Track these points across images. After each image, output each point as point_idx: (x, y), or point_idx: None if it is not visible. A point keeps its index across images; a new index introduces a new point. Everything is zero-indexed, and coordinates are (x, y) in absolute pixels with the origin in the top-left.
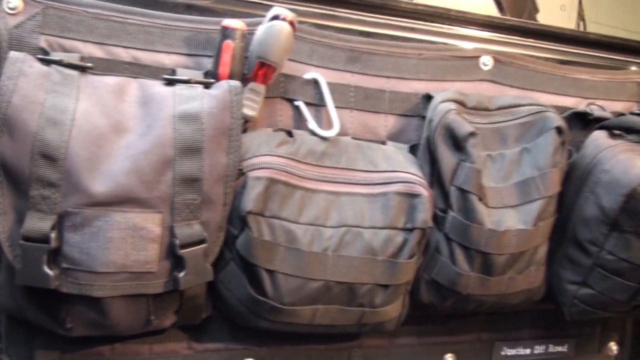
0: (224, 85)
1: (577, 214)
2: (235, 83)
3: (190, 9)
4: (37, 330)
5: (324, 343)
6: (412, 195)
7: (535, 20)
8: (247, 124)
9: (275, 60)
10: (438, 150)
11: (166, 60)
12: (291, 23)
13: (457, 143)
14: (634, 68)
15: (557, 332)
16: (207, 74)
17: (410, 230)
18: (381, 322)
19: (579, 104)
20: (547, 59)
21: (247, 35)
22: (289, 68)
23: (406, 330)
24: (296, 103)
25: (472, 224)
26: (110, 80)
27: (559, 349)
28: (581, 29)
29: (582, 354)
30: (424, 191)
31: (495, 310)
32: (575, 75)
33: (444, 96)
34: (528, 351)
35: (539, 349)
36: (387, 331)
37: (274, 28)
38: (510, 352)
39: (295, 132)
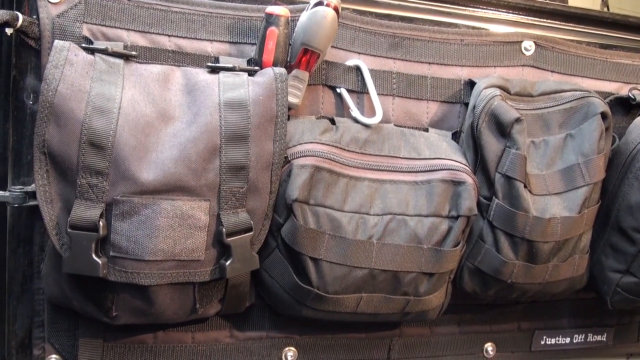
0: (270, 73)
1: (621, 201)
2: (281, 70)
3: None
4: (80, 318)
5: (365, 332)
6: (457, 183)
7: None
8: (290, 111)
9: (319, 46)
10: (482, 136)
11: (209, 48)
12: (335, 9)
13: (502, 129)
14: None
15: (596, 321)
16: (250, 62)
17: (455, 218)
18: (424, 310)
19: (621, 89)
20: (588, 44)
21: (291, 22)
22: (330, 55)
23: (447, 319)
24: (338, 90)
25: (518, 211)
26: (155, 69)
27: (598, 338)
28: None
29: (620, 343)
30: (468, 178)
31: (537, 299)
32: (617, 60)
33: (488, 82)
34: (567, 340)
35: (578, 338)
36: (429, 320)
37: (318, 14)
38: (550, 341)
39: (338, 119)
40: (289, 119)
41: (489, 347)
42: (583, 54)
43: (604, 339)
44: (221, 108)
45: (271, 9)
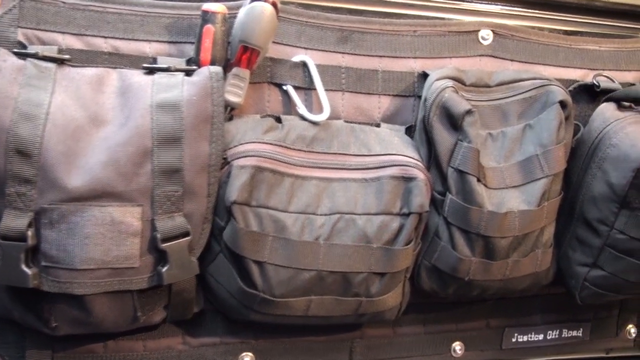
0: (205, 72)
1: (585, 193)
2: (216, 69)
3: None
4: (27, 330)
5: (324, 334)
6: (408, 179)
7: None
8: (233, 111)
9: (258, 43)
10: (434, 130)
11: (147, 48)
12: (273, 4)
13: (454, 122)
14: None
15: (571, 316)
16: (189, 61)
17: (407, 215)
18: (380, 311)
19: (586, 76)
20: (551, 30)
21: (229, 19)
22: (276, 51)
23: (410, 318)
24: (285, 87)
25: (471, 207)
26: (89, 72)
27: (574, 333)
28: None
29: (598, 338)
30: (419, 174)
31: (502, 296)
32: (582, 46)
33: (440, 73)
34: (540, 337)
35: (552, 334)
36: (387, 321)
37: (255, 10)
38: (522, 338)
39: (284, 117)
40: (232, 119)
41: (457, 346)
42: (545, 41)
43: (580, 334)
44: (153, 110)
45: (207, 6)
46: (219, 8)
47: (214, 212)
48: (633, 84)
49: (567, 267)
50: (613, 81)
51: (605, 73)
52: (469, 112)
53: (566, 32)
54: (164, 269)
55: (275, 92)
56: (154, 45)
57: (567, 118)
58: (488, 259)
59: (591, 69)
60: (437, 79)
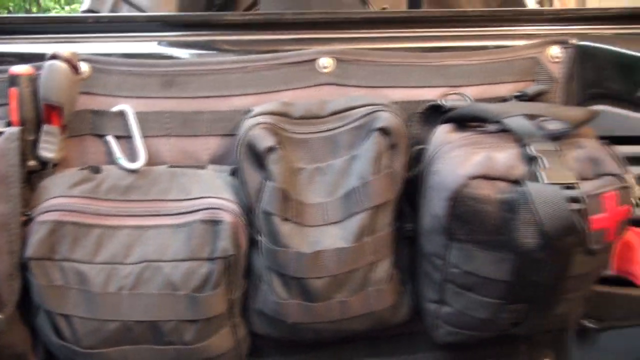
0: (4, 134)
1: (420, 225)
2: (12, 130)
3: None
4: None
5: None
6: (216, 222)
7: None
8: (56, 166)
9: (59, 100)
10: (243, 170)
11: None
12: (67, 61)
13: (260, 161)
14: (534, 41)
15: (464, 355)
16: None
17: (215, 260)
18: (207, 358)
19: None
20: (408, 49)
21: (36, 79)
22: (98, 103)
23: None
24: (106, 138)
25: (278, 248)
26: None
27: None
28: None
29: None
30: (227, 217)
31: (348, 338)
32: (444, 62)
33: (258, 110)
34: None
35: None
36: None
37: (50, 69)
38: None
39: (104, 167)
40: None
41: None
42: (397, 62)
43: None
44: None
45: (14, 68)
46: (23, 70)
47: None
48: (506, 99)
49: (421, 304)
50: (466, 99)
51: (472, 89)
52: (271, 149)
53: (424, 49)
54: None
55: (98, 144)
56: None
57: (393, 145)
58: (308, 301)
59: (454, 86)
60: (251, 117)
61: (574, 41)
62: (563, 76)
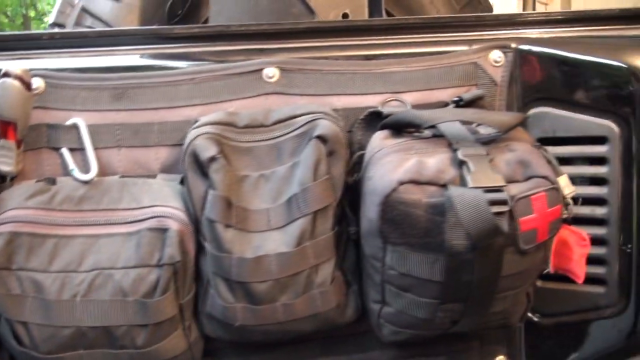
0: None
1: (360, 228)
2: None
3: None
4: None
5: None
6: (163, 230)
7: None
8: (13, 180)
9: (12, 116)
10: (188, 179)
11: None
12: (18, 78)
13: (203, 170)
14: (475, 47)
15: (416, 352)
16: None
17: (162, 266)
18: None
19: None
20: (351, 57)
21: None
22: (52, 117)
23: None
24: (61, 150)
25: (221, 254)
26: None
27: None
28: None
29: None
30: (173, 224)
31: (296, 339)
32: (385, 69)
33: (203, 120)
34: None
35: None
36: None
37: (3, 86)
38: None
39: (59, 179)
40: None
41: None
42: (340, 70)
43: None
44: None
45: None
46: None
47: None
48: (447, 104)
49: (366, 305)
50: (405, 104)
51: (413, 95)
52: (213, 158)
53: (367, 57)
54: None
55: (53, 156)
56: None
57: (332, 152)
58: (252, 305)
59: (394, 92)
60: (195, 127)
61: (514, 45)
62: (504, 80)
